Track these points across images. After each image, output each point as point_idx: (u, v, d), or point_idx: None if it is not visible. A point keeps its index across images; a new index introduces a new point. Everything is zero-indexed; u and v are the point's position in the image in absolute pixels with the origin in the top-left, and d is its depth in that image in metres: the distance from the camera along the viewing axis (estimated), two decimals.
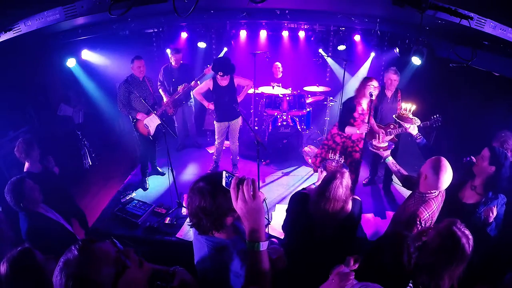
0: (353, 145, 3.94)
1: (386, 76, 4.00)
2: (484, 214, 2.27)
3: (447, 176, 2.05)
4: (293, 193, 2.34)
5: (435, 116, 3.67)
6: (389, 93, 4.04)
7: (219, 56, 4.45)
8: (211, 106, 4.43)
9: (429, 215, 2.10)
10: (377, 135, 3.14)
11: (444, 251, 1.52)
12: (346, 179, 1.93)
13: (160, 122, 4.10)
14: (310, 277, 2.00)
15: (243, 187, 1.04)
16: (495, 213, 2.25)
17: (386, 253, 1.40)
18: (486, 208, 2.27)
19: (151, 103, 4.22)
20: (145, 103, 4.00)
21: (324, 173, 2.40)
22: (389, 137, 4.00)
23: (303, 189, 2.36)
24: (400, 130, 3.90)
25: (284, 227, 2.34)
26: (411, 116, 2.96)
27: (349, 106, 3.72)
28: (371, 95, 3.47)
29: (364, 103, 3.67)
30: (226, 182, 1.16)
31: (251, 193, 1.03)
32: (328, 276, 1.60)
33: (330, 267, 1.70)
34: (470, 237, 1.56)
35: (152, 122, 4.24)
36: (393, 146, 2.97)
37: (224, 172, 1.17)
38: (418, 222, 2.07)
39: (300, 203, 2.13)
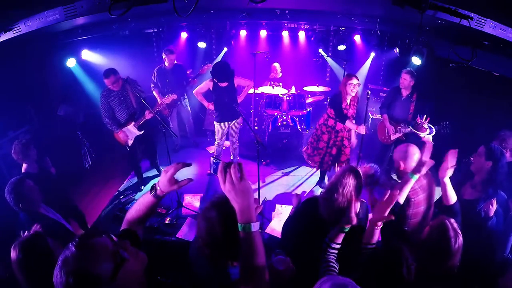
0: (340, 142, 4.05)
1: (401, 75, 4.16)
2: (484, 208, 2.29)
3: (416, 156, 2.23)
4: (293, 193, 2.31)
5: (444, 123, 3.70)
6: (404, 92, 4.16)
7: (218, 61, 4.36)
8: (211, 106, 4.41)
9: (418, 187, 2.20)
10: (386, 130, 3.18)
11: (431, 242, 1.61)
12: (358, 176, 1.91)
13: (139, 134, 4.12)
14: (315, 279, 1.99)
15: (230, 170, 1.06)
16: (495, 206, 2.26)
17: (384, 268, 1.41)
18: (486, 203, 2.29)
19: (130, 113, 4.06)
20: (122, 114, 3.99)
21: None
22: (397, 135, 4.06)
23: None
24: (408, 130, 3.95)
25: (286, 230, 2.25)
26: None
27: (338, 102, 3.82)
28: (368, 94, 3.54)
29: (348, 99, 3.80)
30: (214, 169, 1.17)
31: (238, 175, 1.06)
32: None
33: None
34: (459, 234, 1.61)
35: (130, 133, 4.14)
36: (433, 132, 3.06)
37: (211, 159, 1.17)
38: (408, 195, 2.14)
39: (311, 207, 2.07)
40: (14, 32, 2.87)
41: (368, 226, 1.74)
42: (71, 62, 4.38)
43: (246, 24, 5.61)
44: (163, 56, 4.88)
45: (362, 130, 3.63)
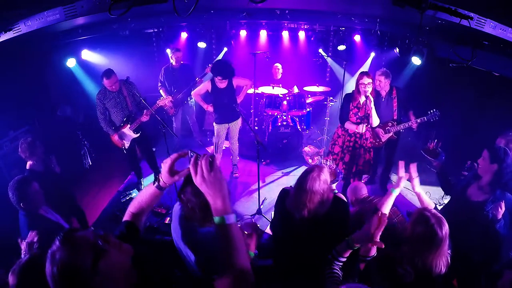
0: (353, 149, 3.90)
1: (375, 76, 3.95)
2: (493, 211, 2.28)
3: (363, 190, 2.71)
4: None
5: (432, 111, 3.68)
6: (383, 93, 4.00)
7: (218, 59, 4.33)
8: (210, 108, 4.37)
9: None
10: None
11: (417, 235, 1.62)
12: (324, 174, 1.93)
13: (135, 136, 4.09)
14: (296, 271, 2.03)
15: (201, 161, 1.05)
16: (503, 208, 2.25)
17: (384, 281, 1.40)
18: (494, 205, 2.28)
19: (126, 115, 4.04)
20: (117, 117, 3.99)
21: None
22: (388, 135, 4.02)
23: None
24: (398, 128, 3.93)
25: (271, 224, 2.39)
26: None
27: (348, 100, 3.77)
28: (365, 93, 3.51)
29: (361, 98, 3.66)
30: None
31: (209, 167, 1.04)
32: (313, 270, 1.62)
33: (314, 262, 1.70)
34: (442, 219, 1.63)
35: (126, 136, 4.12)
36: (443, 158, 3.08)
37: (189, 152, 1.16)
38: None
39: (281, 198, 2.16)
40: (14, 32, 2.86)
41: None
42: (71, 62, 4.38)
43: (246, 24, 5.60)
44: (170, 55, 4.90)
45: (361, 129, 3.63)
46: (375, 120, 3.67)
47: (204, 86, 4.23)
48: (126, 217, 1.40)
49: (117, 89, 3.88)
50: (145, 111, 4.00)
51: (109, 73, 3.73)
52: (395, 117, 4.00)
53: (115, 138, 4.07)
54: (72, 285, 0.92)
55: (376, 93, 4.00)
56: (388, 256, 1.62)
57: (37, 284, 1.47)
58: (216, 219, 1.05)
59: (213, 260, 1.44)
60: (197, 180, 1.05)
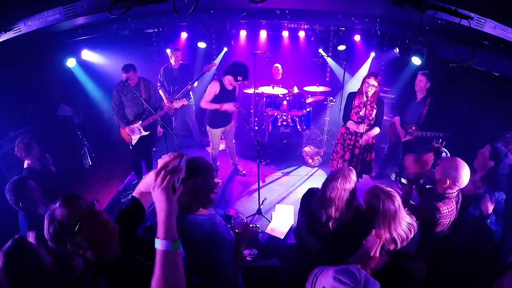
0: (353, 147, 3.90)
1: (417, 77, 4.02)
2: (483, 205, 2.28)
3: (466, 171, 2.08)
4: (293, 193, 2.34)
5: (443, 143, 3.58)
6: (419, 95, 4.05)
7: (237, 62, 3.98)
8: (225, 106, 4.03)
9: (448, 211, 2.11)
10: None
11: (371, 210, 1.80)
12: (354, 174, 1.94)
13: (144, 134, 4.10)
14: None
15: (161, 173, 0.95)
16: (493, 202, 2.26)
17: (390, 277, 1.39)
18: (484, 200, 2.29)
19: (139, 112, 4.07)
20: (131, 111, 4.00)
21: None
22: (407, 137, 4.07)
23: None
24: (419, 134, 3.93)
25: (296, 228, 2.36)
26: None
27: (350, 98, 3.78)
28: (366, 93, 3.53)
29: (364, 97, 3.66)
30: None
31: (160, 182, 0.93)
32: None
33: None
34: (391, 193, 1.79)
35: (135, 132, 4.12)
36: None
37: (183, 156, 1.10)
38: (437, 217, 2.08)
39: (306, 199, 2.16)
40: (14, 32, 2.86)
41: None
42: (71, 62, 4.38)
43: (246, 24, 5.60)
44: (169, 55, 4.89)
45: (362, 129, 3.63)
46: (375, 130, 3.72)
47: (212, 89, 3.98)
48: (134, 193, 1.48)
49: (135, 84, 3.93)
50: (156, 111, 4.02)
51: (129, 67, 3.85)
52: (420, 123, 4.04)
53: (125, 131, 4.07)
54: (58, 240, 1.10)
55: (411, 92, 4.12)
56: (394, 252, 1.63)
57: (23, 265, 1.54)
58: (155, 241, 0.93)
59: (194, 248, 1.51)
60: (150, 188, 0.97)
